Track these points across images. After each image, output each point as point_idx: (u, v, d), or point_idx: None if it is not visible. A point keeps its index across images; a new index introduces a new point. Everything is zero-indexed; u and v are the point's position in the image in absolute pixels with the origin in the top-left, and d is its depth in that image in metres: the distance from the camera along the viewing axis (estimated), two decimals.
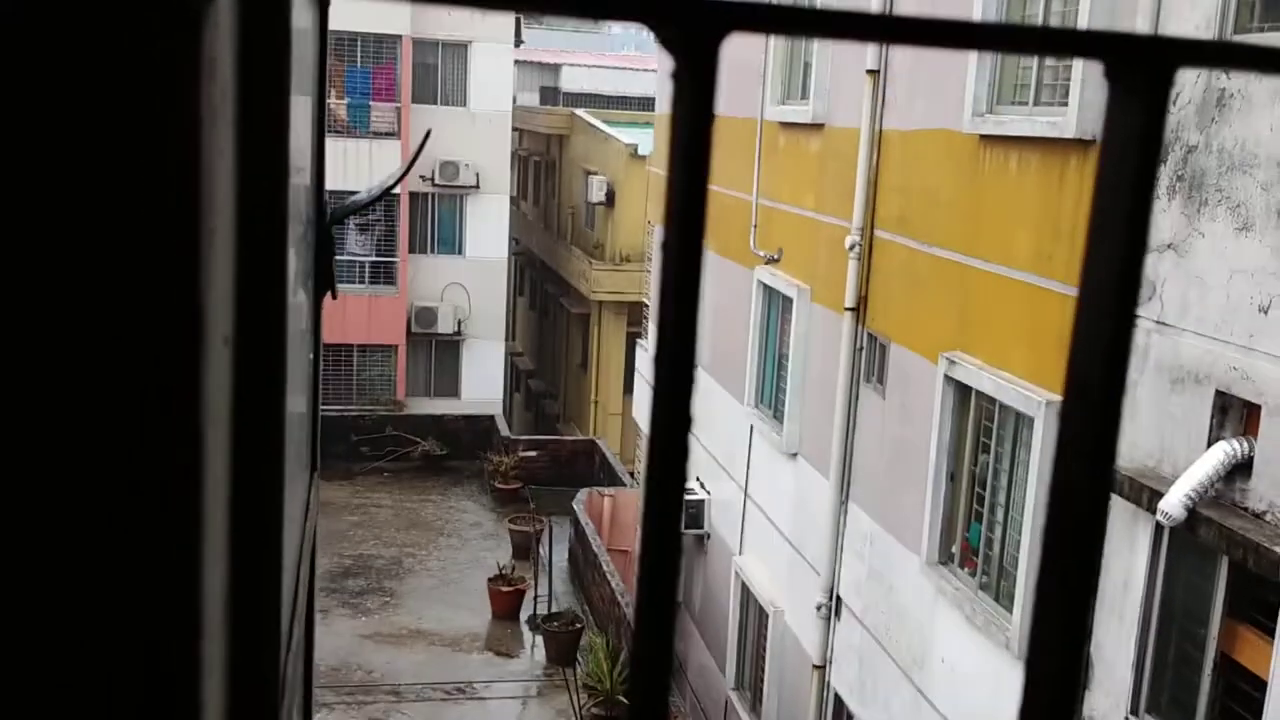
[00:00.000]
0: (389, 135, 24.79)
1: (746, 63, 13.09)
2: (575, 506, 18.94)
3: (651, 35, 0.47)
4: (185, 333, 0.43)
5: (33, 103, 0.42)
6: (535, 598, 17.28)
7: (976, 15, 8.40)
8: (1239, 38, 6.05)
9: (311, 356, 1.51)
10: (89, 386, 0.43)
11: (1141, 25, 6.63)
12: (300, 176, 1.34)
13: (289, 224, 1.15)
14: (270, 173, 0.66)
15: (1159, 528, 6.32)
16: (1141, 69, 0.47)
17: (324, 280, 1.49)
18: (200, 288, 0.44)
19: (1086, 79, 7.15)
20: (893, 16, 0.45)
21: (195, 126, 0.41)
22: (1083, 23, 7.18)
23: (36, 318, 0.44)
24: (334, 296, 1.54)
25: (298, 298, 1.28)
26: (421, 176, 25.23)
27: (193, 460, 0.44)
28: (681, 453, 0.45)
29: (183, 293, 0.43)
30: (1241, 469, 5.85)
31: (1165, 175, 6.50)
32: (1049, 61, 7.90)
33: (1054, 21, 7.84)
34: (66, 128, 0.41)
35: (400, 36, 24.77)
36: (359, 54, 24.92)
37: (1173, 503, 5.91)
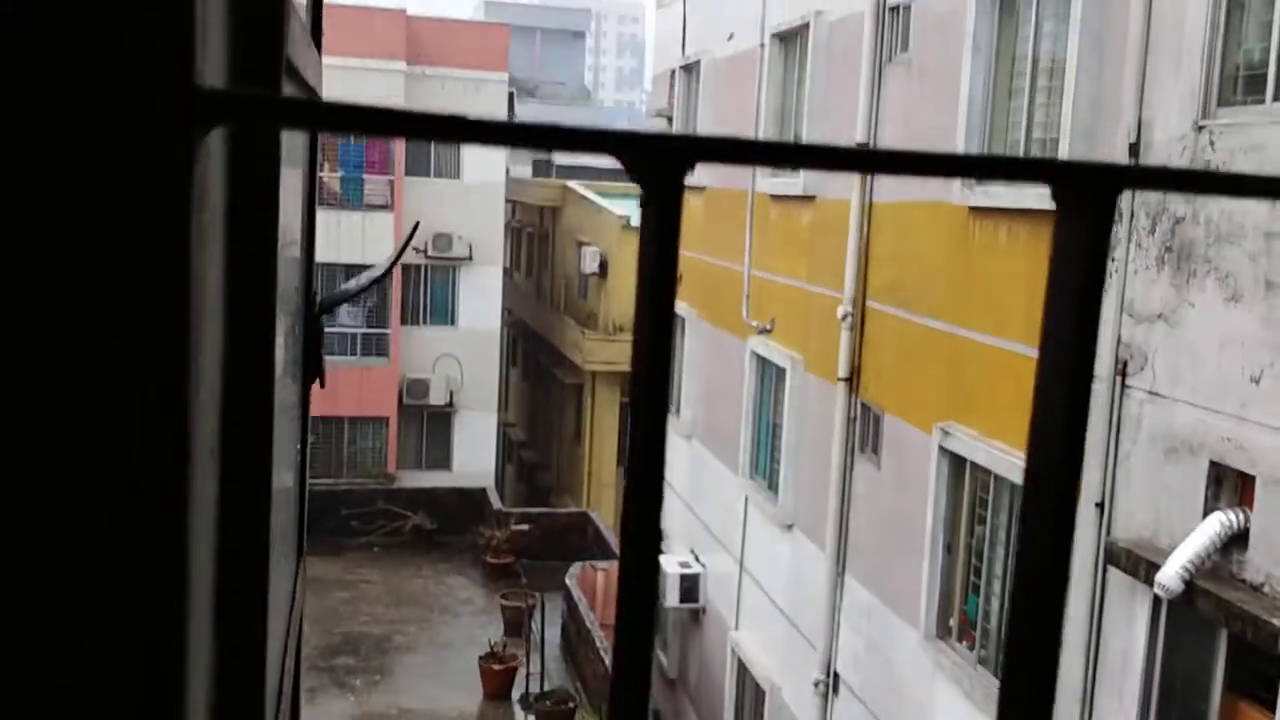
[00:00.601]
0: (382, 208, 25.01)
1: (738, 133, 13.21)
2: (568, 581, 18.77)
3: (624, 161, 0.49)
4: (171, 453, 0.45)
5: (29, 225, 0.44)
6: (527, 675, 17.04)
7: (962, 108, 8.53)
8: (1222, 111, 6.16)
9: (299, 445, 1.52)
10: (76, 508, 0.45)
11: (1127, 102, 6.75)
12: (290, 265, 1.37)
13: (278, 318, 1.17)
14: (258, 293, 0.68)
15: (1157, 600, 6.28)
16: (1085, 193, 0.50)
17: (312, 368, 1.50)
18: (188, 408, 0.45)
19: (1074, 151, 7.27)
20: (842, 148, 0.48)
21: (184, 254, 0.43)
22: (1068, 100, 7.32)
23: (27, 428, 0.46)
24: (321, 385, 1.56)
25: (285, 386, 1.30)
26: (415, 248, 25.40)
27: (177, 580, 0.45)
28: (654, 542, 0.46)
29: (168, 413, 0.44)
30: (1238, 540, 5.84)
31: (1154, 246, 6.58)
32: (1037, 134, 8.04)
33: (1040, 99, 7.99)
34: (61, 259, 0.43)
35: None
36: None
37: (1170, 575, 5.89)
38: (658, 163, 0.46)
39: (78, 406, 0.44)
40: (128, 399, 0.44)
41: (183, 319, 0.44)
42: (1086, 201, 0.50)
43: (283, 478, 1.20)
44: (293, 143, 1.39)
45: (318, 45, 1.46)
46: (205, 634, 0.64)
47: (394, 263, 2.62)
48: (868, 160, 0.47)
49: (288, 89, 0.98)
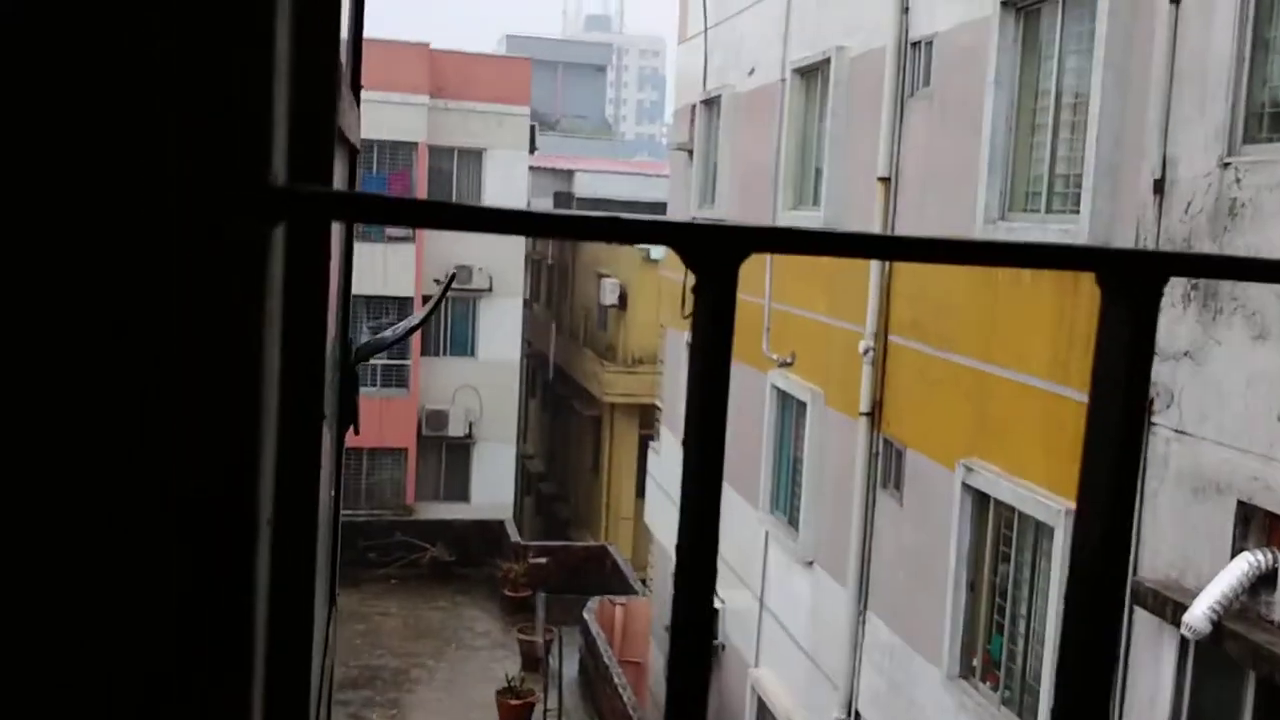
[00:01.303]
0: (404, 240, 25.16)
1: (759, 167, 13.33)
2: (586, 615, 18.67)
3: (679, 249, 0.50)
4: (242, 518, 0.46)
5: (115, 320, 0.46)
6: (545, 711, 16.93)
7: (985, 143, 8.54)
8: (1248, 148, 6.14)
9: (333, 491, 1.53)
10: (150, 583, 0.46)
11: (1151, 138, 6.74)
12: (330, 318, 1.38)
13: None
14: (309, 377, 0.70)
15: (1184, 641, 6.21)
16: (1131, 281, 0.50)
17: (348, 415, 1.52)
18: (257, 488, 0.47)
19: (1098, 188, 7.26)
20: (891, 236, 0.49)
21: (257, 343, 0.45)
22: (1091, 136, 7.31)
23: (113, 509, 0.47)
24: (356, 432, 1.57)
25: (325, 434, 1.31)
26: (435, 280, 25.52)
27: (244, 661, 0.46)
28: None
29: (240, 484, 0.46)
30: (1266, 581, 5.77)
31: (1181, 283, 6.55)
32: (1060, 170, 8.03)
33: (1063, 134, 7.99)
34: (147, 353, 0.44)
35: (416, 144, 25.31)
36: (375, 160, 25.44)
37: (1197, 616, 5.82)
38: (712, 253, 0.48)
39: (158, 487, 0.45)
40: (204, 481, 0.45)
41: (254, 404, 0.45)
42: (1132, 289, 0.51)
43: (321, 530, 1.21)
44: None
45: (358, 95, 1.49)
46: (260, 689, 0.65)
47: (430, 313, 2.64)
48: (920, 249, 0.48)
49: (336, 154, 1.00)
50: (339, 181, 1.20)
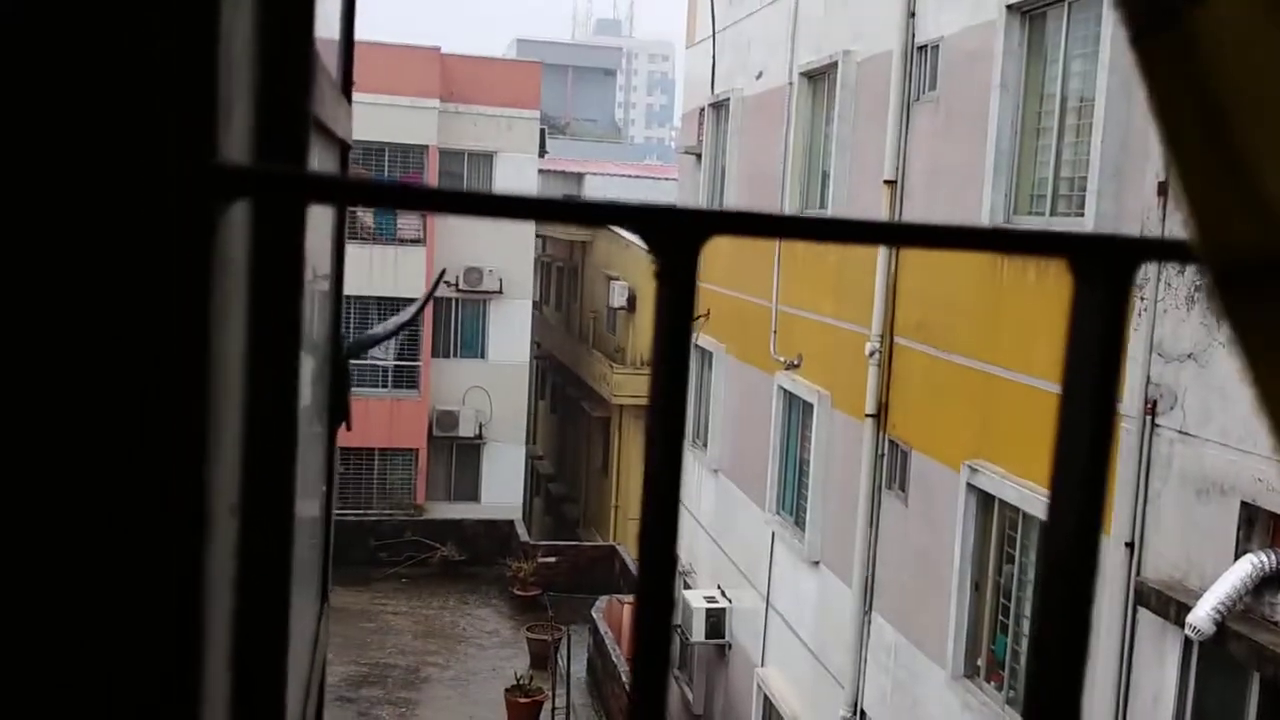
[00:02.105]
0: (415, 243, 25.20)
1: (766, 171, 13.33)
2: (594, 615, 18.69)
3: (638, 237, 0.50)
4: (188, 507, 0.46)
5: (52, 301, 0.45)
6: (553, 709, 16.95)
7: (990, 146, 8.53)
8: None
9: (325, 487, 1.53)
10: (92, 575, 0.46)
11: (1155, 142, 6.72)
12: (319, 308, 1.38)
13: (306, 366, 1.18)
14: (281, 350, 0.69)
15: (1188, 642, 6.19)
16: (1104, 266, 0.50)
17: (339, 413, 1.52)
18: (205, 472, 0.46)
19: (1103, 190, 7.24)
20: (858, 221, 0.48)
21: (203, 326, 0.44)
22: (1096, 139, 7.30)
23: (50, 495, 0.46)
24: (348, 428, 1.57)
25: (311, 431, 1.31)
26: (446, 282, 25.56)
27: (192, 650, 0.46)
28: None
29: (187, 480, 0.45)
30: (1270, 582, 5.75)
31: (1184, 285, 6.53)
32: (1065, 173, 8.01)
33: (1069, 138, 7.97)
34: (84, 334, 0.44)
35: (427, 147, 25.35)
36: (386, 163, 25.48)
37: (1201, 616, 5.80)
38: (673, 236, 0.47)
39: (99, 471, 0.45)
40: (149, 465, 0.45)
41: (199, 385, 0.45)
42: (1104, 275, 0.50)
43: (305, 524, 1.21)
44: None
45: (348, 93, 1.49)
46: (221, 687, 0.64)
47: (420, 309, 2.65)
48: (884, 233, 0.47)
49: (317, 146, 0.99)
50: (328, 163, 1.20)
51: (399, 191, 0.44)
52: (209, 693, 0.55)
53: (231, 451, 0.58)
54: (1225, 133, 0.45)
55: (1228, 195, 0.47)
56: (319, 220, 1.35)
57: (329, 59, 1.26)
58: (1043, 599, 0.56)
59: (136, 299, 0.44)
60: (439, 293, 25.51)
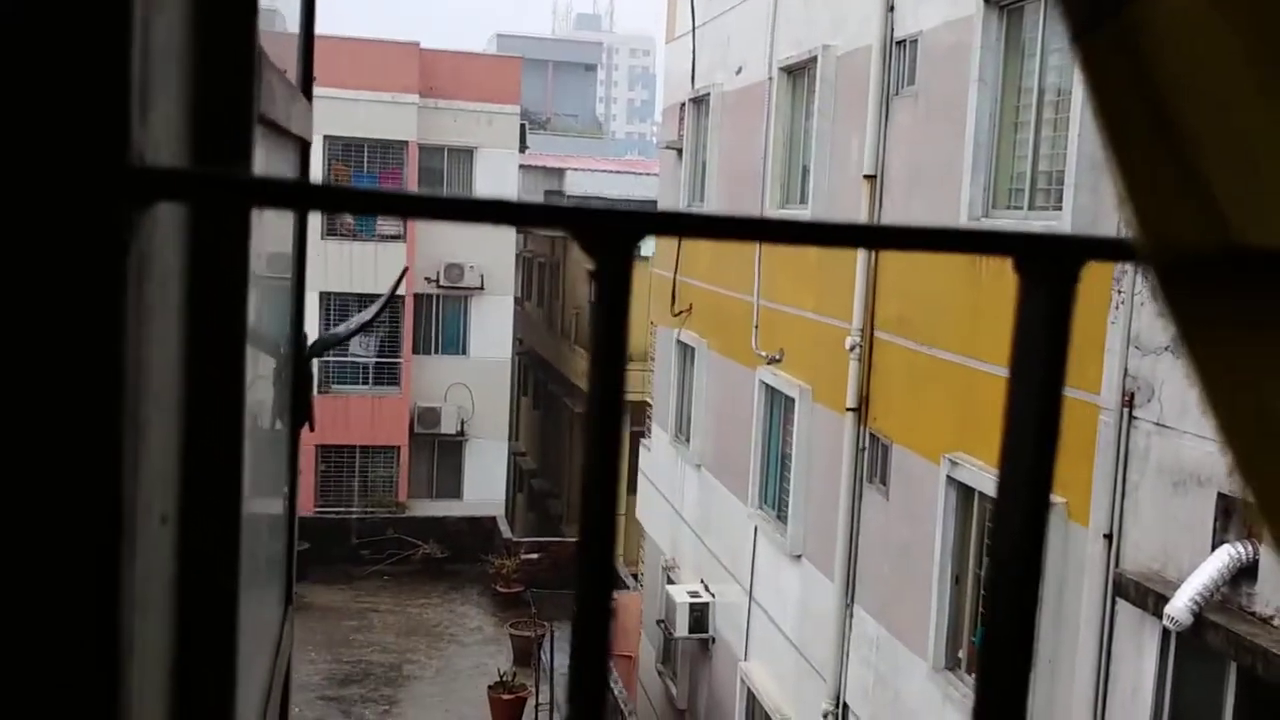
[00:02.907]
0: (395, 239, 25.11)
1: (747, 166, 13.33)
2: None
3: (576, 236, 0.49)
4: (103, 518, 0.44)
5: None
6: (536, 706, 16.95)
7: (969, 140, 8.55)
8: None
9: (287, 490, 1.51)
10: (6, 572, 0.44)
11: None
12: (278, 307, 1.36)
13: (268, 361, 1.17)
14: (224, 353, 0.68)
15: (1166, 633, 6.22)
16: (1048, 266, 0.49)
17: (301, 414, 1.50)
18: (120, 473, 0.45)
19: (1081, 183, 7.26)
20: (793, 221, 0.47)
21: (118, 331, 0.43)
22: (1074, 132, 7.32)
23: None
24: (311, 428, 1.56)
25: (271, 431, 1.29)
26: (427, 278, 25.49)
27: (112, 651, 0.45)
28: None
29: (100, 480, 0.44)
30: (1247, 573, 5.79)
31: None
32: (1043, 166, 8.04)
33: (1046, 131, 7.99)
34: None
35: (406, 142, 25.26)
36: (365, 159, 25.38)
37: (1179, 607, 5.84)
38: (605, 238, 0.46)
39: (4, 486, 0.43)
40: (58, 477, 0.44)
41: (114, 392, 0.44)
42: (1049, 274, 0.49)
43: (265, 526, 1.19)
44: (283, 175, 1.39)
45: (308, 90, 1.47)
46: (159, 698, 0.63)
47: (381, 309, 2.63)
48: (824, 233, 0.46)
49: (267, 145, 0.98)
50: (278, 173, 1.18)
51: (320, 192, 0.42)
52: (143, 705, 0.53)
53: (164, 460, 0.56)
54: (1167, 126, 0.45)
55: (1170, 190, 0.46)
56: (278, 219, 1.33)
57: (285, 55, 1.24)
58: (991, 592, 0.55)
59: (40, 305, 0.42)
60: (420, 290, 25.44)
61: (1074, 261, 0.50)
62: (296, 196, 0.42)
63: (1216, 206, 0.45)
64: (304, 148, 1.54)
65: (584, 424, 0.50)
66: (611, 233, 0.46)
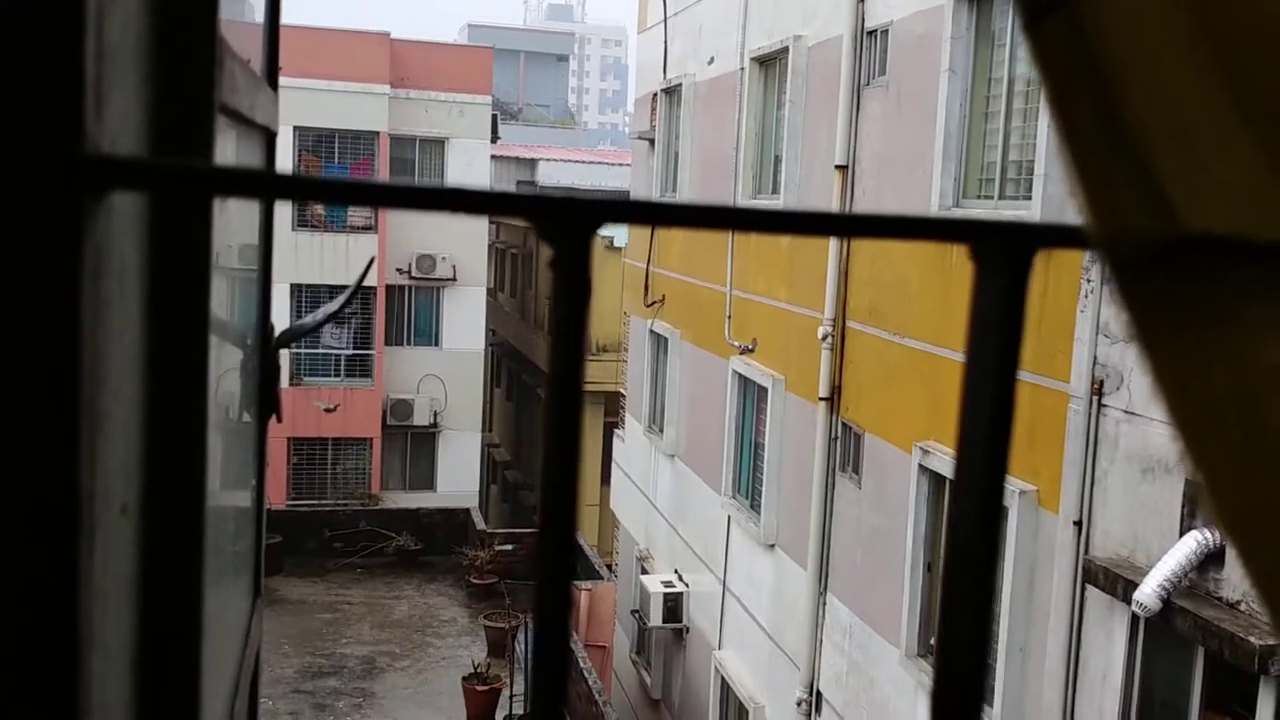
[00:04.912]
0: (366, 230, 24.99)
1: (719, 156, 13.34)
2: None
3: (537, 227, 0.49)
4: (59, 506, 0.44)
5: None
6: (511, 696, 16.95)
7: (939, 130, 8.59)
8: None
9: (255, 480, 1.51)
10: None
11: None
12: (244, 298, 1.36)
13: (233, 351, 1.16)
14: (186, 344, 0.67)
15: (1135, 619, 6.29)
16: (1002, 253, 0.50)
17: (268, 405, 1.50)
18: (77, 462, 0.45)
19: (1050, 173, 7.32)
20: (750, 210, 0.47)
21: (73, 323, 0.43)
22: (1044, 121, 7.37)
23: None
24: (278, 419, 1.55)
25: (238, 422, 1.29)
26: (399, 269, 25.39)
27: (71, 640, 0.44)
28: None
29: (56, 469, 0.44)
30: (1214, 558, 5.86)
31: None
32: (1013, 155, 8.09)
33: (1016, 121, 8.04)
34: None
35: (378, 133, 25.12)
36: (337, 150, 25.23)
37: (1147, 593, 5.90)
38: (564, 226, 0.46)
39: None
40: (14, 460, 0.43)
41: (69, 385, 0.43)
42: (1004, 261, 0.50)
43: (231, 517, 1.19)
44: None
45: (274, 80, 1.46)
46: (121, 689, 0.63)
47: (349, 299, 2.62)
48: (774, 221, 0.47)
49: (229, 135, 0.97)
50: (243, 163, 1.17)
51: (275, 181, 0.42)
52: (105, 695, 0.53)
53: (124, 450, 0.56)
54: (1118, 113, 0.45)
55: (1119, 178, 0.47)
56: (244, 210, 1.33)
57: (249, 45, 1.24)
58: (946, 578, 0.56)
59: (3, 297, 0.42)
60: (392, 281, 25.32)
61: (1028, 248, 0.50)
62: (255, 185, 0.41)
63: (1164, 194, 0.46)
64: (269, 137, 1.53)
65: (544, 412, 0.51)
66: (569, 220, 0.46)
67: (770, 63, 12.21)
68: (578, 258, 0.46)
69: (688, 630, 14.22)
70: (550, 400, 0.47)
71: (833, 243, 10.31)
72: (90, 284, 0.43)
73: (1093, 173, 0.47)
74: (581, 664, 16.39)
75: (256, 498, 1.50)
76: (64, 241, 0.42)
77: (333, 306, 2.45)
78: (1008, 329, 0.50)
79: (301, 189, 0.45)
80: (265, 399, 1.44)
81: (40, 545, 0.44)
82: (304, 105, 22.52)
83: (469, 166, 26.00)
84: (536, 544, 0.50)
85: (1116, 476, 6.58)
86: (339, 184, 0.45)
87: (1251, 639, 5.44)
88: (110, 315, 0.50)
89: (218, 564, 0.93)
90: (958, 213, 8.45)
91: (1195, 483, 0.50)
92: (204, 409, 0.71)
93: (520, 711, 16.64)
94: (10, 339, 0.42)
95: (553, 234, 0.46)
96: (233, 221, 1.19)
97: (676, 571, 14.63)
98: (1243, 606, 5.70)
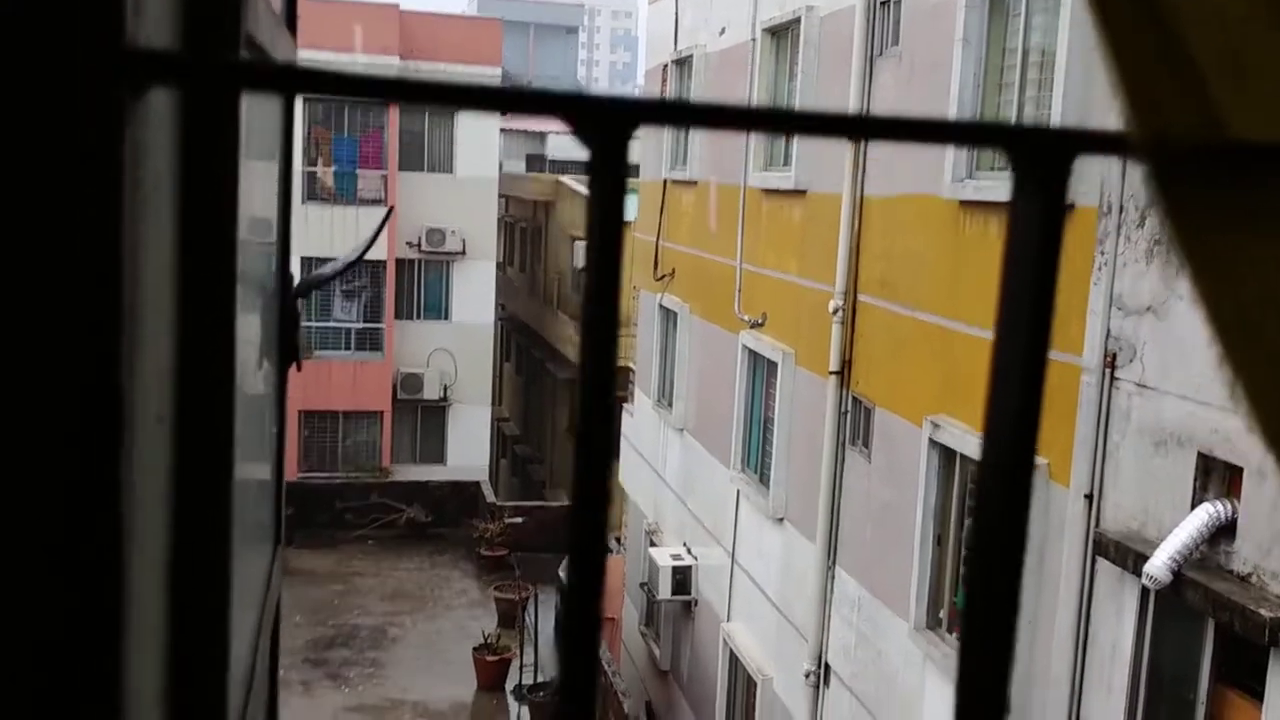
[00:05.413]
0: (376, 202, 24.97)
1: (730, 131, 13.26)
2: (561, 574, 18.77)
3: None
4: (103, 415, 0.44)
5: None
6: (521, 667, 17.06)
7: (953, 101, 8.54)
8: None
9: (275, 429, 1.51)
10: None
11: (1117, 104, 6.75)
12: (265, 248, 1.36)
13: (252, 299, 1.16)
14: (217, 250, 0.67)
15: (1145, 591, 6.30)
16: (1040, 159, 0.49)
17: (289, 352, 1.50)
18: (118, 368, 0.45)
19: None
20: (786, 111, 0.47)
21: (116, 219, 0.42)
22: (1058, 92, 7.32)
23: None
24: (298, 368, 1.55)
25: (262, 368, 1.29)
26: (408, 243, 25.38)
27: (113, 545, 0.45)
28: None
29: (98, 375, 0.44)
30: (1225, 531, 5.85)
31: (1143, 239, 6.58)
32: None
33: (1030, 91, 7.98)
34: None
35: (387, 105, 25.05)
36: (346, 123, 25.18)
37: (1158, 566, 5.90)
38: (602, 124, 0.46)
39: (5, 373, 0.43)
40: (58, 366, 0.43)
41: (115, 288, 0.43)
42: (1042, 168, 0.49)
43: (253, 460, 1.19)
44: (266, 127, 1.38)
45: (293, 26, 1.45)
46: (154, 612, 0.63)
47: (368, 247, 2.63)
48: (802, 122, 0.46)
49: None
50: (263, 104, 1.17)
51: (310, 76, 0.42)
52: (142, 590, 0.54)
53: (158, 357, 0.56)
54: (1161, 15, 0.45)
55: (1164, 82, 0.46)
56: (265, 165, 1.32)
57: None
58: (977, 524, 0.56)
59: (38, 191, 0.42)
60: (402, 254, 25.32)
61: (1066, 153, 0.50)
62: (286, 79, 0.41)
63: (1210, 98, 0.45)
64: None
65: (580, 332, 0.50)
66: (608, 119, 0.46)
67: (782, 33, 12.13)
68: (614, 159, 0.46)
69: (696, 603, 14.28)
70: (586, 303, 0.47)
71: (844, 216, 10.27)
72: (130, 179, 0.43)
73: (1136, 73, 0.46)
74: None
75: (277, 447, 1.51)
76: (107, 134, 0.41)
77: (351, 256, 2.46)
78: (1047, 239, 0.50)
79: (336, 84, 0.44)
80: (285, 346, 1.44)
81: (84, 446, 0.44)
82: None
83: (478, 139, 25.94)
84: (574, 455, 0.50)
85: (1128, 450, 6.56)
86: (375, 80, 0.45)
87: (1262, 611, 5.44)
88: (146, 214, 0.50)
89: (243, 499, 0.93)
90: (969, 184, 8.41)
91: (1233, 389, 0.50)
92: (233, 315, 0.71)
93: (530, 681, 16.75)
94: (57, 234, 0.42)
95: (589, 133, 0.46)
96: (254, 180, 1.19)
97: (685, 545, 14.67)
98: (1254, 579, 5.70)
